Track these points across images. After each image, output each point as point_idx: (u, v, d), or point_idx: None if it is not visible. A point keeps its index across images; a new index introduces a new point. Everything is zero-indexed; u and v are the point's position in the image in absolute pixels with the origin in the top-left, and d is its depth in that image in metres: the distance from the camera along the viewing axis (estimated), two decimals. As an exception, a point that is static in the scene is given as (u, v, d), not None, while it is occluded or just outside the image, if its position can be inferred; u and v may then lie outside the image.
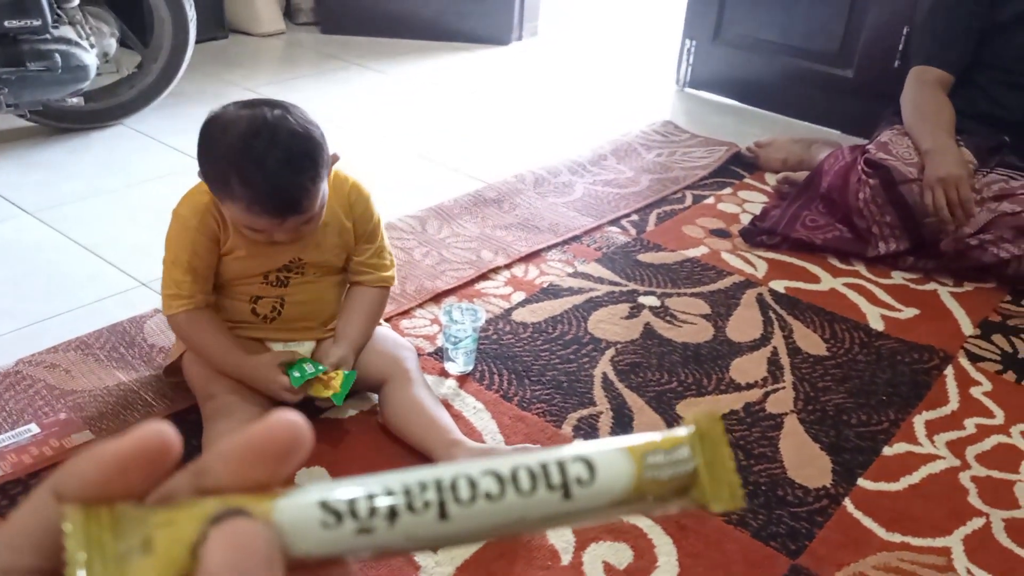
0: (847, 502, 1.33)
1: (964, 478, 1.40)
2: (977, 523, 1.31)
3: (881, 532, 1.28)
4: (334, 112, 2.74)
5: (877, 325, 1.79)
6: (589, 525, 0.32)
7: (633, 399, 1.51)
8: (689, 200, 2.29)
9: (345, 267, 1.43)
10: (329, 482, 0.25)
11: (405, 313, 1.72)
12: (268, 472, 0.24)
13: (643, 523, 1.26)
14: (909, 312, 1.85)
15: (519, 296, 1.80)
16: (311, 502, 0.24)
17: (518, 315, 1.73)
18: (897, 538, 1.27)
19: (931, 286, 1.96)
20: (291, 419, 0.24)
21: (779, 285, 1.91)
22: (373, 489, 0.25)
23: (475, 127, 2.73)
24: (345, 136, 2.57)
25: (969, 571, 1.22)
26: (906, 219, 2.00)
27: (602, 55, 3.65)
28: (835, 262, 2.03)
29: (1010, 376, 1.66)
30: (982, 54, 2.14)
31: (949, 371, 1.66)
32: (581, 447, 0.26)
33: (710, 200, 2.30)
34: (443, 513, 0.24)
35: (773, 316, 1.79)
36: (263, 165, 1.18)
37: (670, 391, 1.54)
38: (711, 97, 3.11)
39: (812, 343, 1.71)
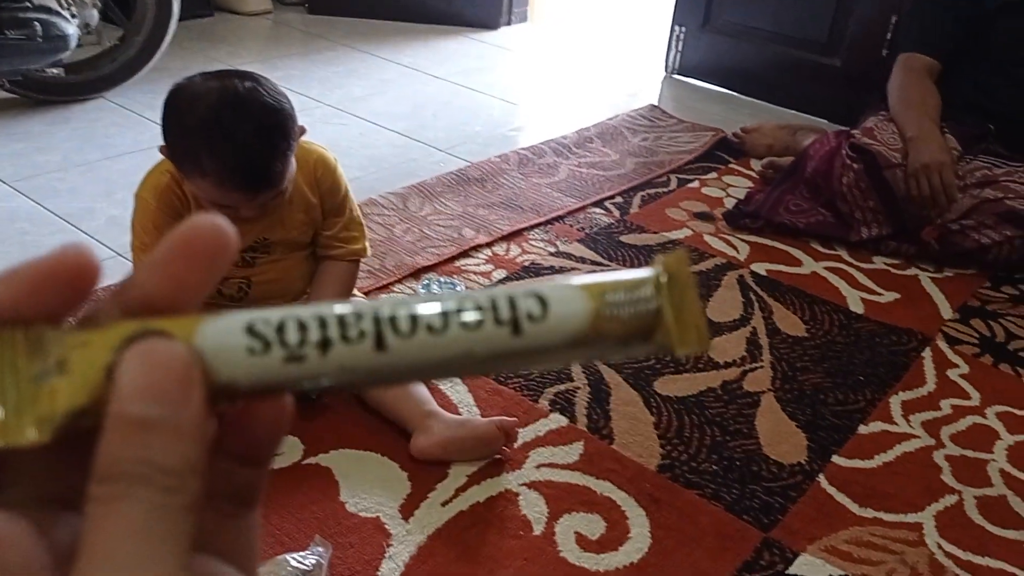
0: (821, 478, 1.33)
1: (938, 456, 1.40)
2: (950, 500, 1.31)
3: (854, 508, 1.28)
4: (321, 92, 2.72)
5: (857, 308, 1.79)
6: (545, 367, 0.29)
7: (611, 375, 1.51)
8: (674, 184, 2.29)
9: (313, 241, 1.40)
10: (259, 309, 0.23)
11: (384, 287, 1.70)
12: (195, 275, 0.23)
13: (617, 495, 1.26)
14: (889, 296, 1.85)
15: (500, 274, 1.79)
16: (237, 326, 0.23)
17: (498, 292, 1.72)
18: (870, 513, 1.27)
19: (912, 271, 1.96)
20: (215, 219, 0.23)
21: (761, 268, 1.90)
22: (305, 317, 0.23)
23: (461, 108, 2.72)
24: (331, 115, 2.56)
25: (940, 546, 1.22)
26: (889, 204, 2.00)
27: (591, 40, 3.64)
28: (817, 246, 2.03)
29: (987, 359, 1.67)
30: (970, 42, 2.14)
31: (927, 353, 1.66)
32: (535, 284, 0.25)
33: (695, 184, 2.30)
34: (380, 344, 0.23)
35: (754, 297, 1.79)
36: (235, 139, 1.14)
37: (648, 368, 1.54)
38: (699, 84, 3.10)
39: (791, 324, 1.71)
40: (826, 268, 1.94)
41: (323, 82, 2.82)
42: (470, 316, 0.23)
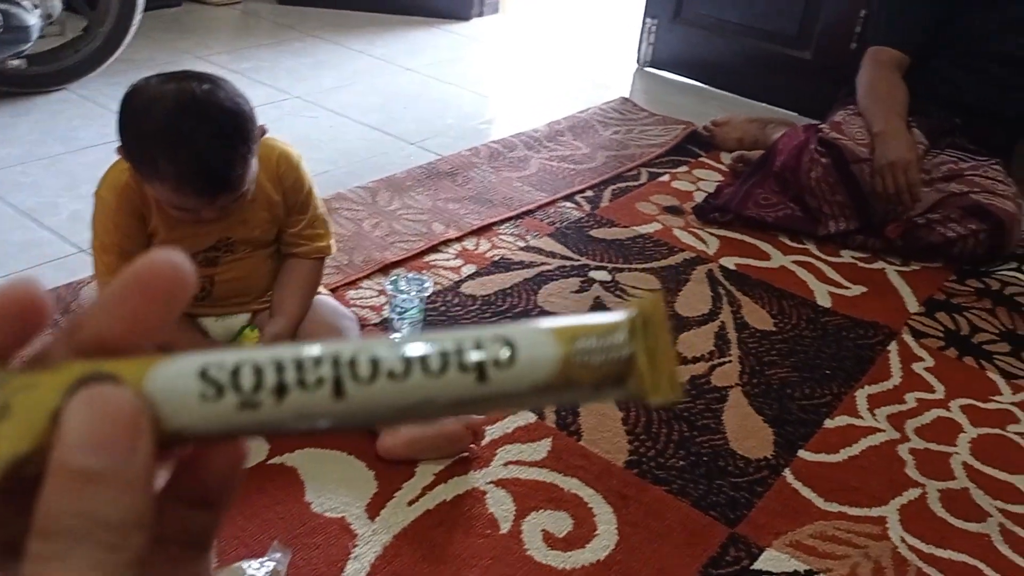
0: (787, 473, 1.33)
1: (903, 450, 1.41)
2: (913, 493, 1.32)
3: (819, 502, 1.29)
4: (289, 83, 2.69)
5: (825, 302, 1.80)
6: (511, 411, 0.30)
7: (579, 371, 1.51)
8: (644, 177, 2.29)
9: (277, 239, 1.38)
10: (213, 351, 0.23)
11: (352, 284, 1.69)
12: (151, 315, 0.22)
13: (584, 492, 1.26)
14: (856, 290, 1.86)
15: (469, 269, 1.78)
16: (189, 371, 0.22)
17: (467, 287, 1.71)
18: (835, 507, 1.28)
19: (879, 265, 1.98)
20: (172, 256, 0.22)
21: (729, 262, 1.91)
22: (261, 361, 0.22)
23: (432, 101, 2.70)
24: (301, 107, 2.53)
25: (903, 539, 1.23)
26: (857, 199, 2.01)
27: (563, 32, 3.63)
28: (786, 240, 2.04)
29: (952, 352, 1.68)
30: (941, 36, 2.14)
31: (893, 347, 1.67)
32: (502, 327, 0.24)
33: (665, 178, 2.30)
34: (339, 390, 0.22)
35: (722, 292, 1.80)
36: (194, 144, 1.12)
37: (616, 363, 1.53)
38: (671, 77, 3.10)
39: (760, 318, 1.72)
40: (794, 262, 1.95)
41: (292, 73, 2.79)
42: (434, 362, 0.23)
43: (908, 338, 1.71)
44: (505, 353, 0.23)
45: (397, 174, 2.15)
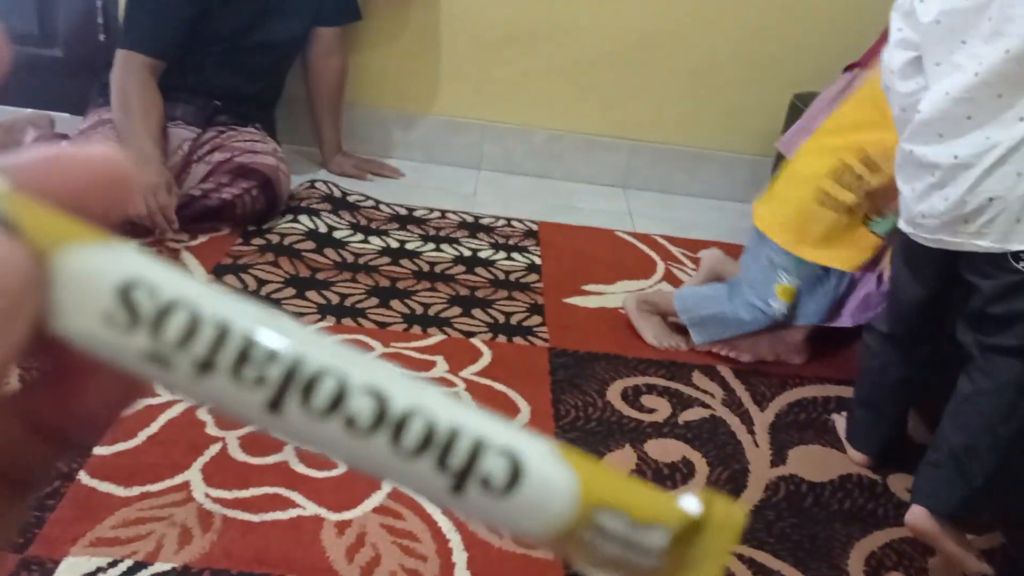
0: (82, 475, 1.27)
1: (201, 413, 1.45)
2: (214, 449, 1.37)
3: (120, 491, 1.25)
4: None
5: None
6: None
7: None
8: None
9: None
10: (164, 264, 0.17)
11: None
12: (106, 196, 0.19)
13: None
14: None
15: None
16: (110, 277, 0.17)
17: None
18: (136, 491, 1.26)
19: (173, 246, 1.98)
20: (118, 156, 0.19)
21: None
22: (206, 314, 0.17)
23: None
24: None
25: (207, 495, 1.27)
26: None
27: None
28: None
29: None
30: (197, 33, 2.17)
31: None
32: (524, 440, 0.18)
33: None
34: (275, 405, 0.17)
35: None
36: None
37: None
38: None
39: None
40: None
41: None
42: (410, 439, 0.18)
43: (199, 307, 1.75)
44: (501, 478, 0.18)
45: None
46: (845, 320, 1.77)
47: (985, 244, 1.25)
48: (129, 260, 0.17)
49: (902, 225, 1.38)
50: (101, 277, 0.17)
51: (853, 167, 1.66)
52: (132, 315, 0.17)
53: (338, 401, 0.17)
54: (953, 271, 1.33)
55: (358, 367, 0.18)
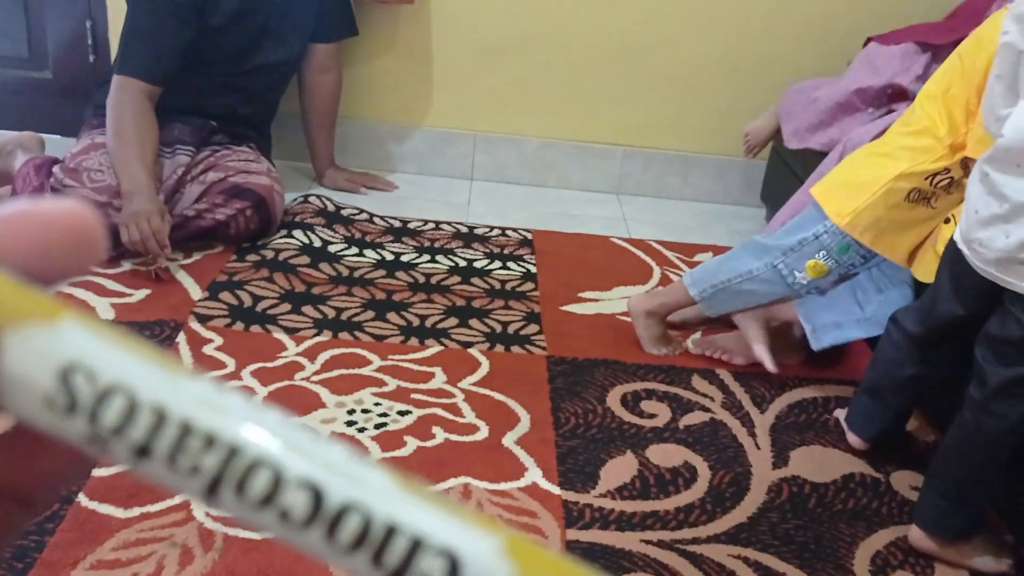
0: (81, 497, 1.26)
1: (200, 431, 1.44)
2: (213, 467, 1.36)
3: (119, 513, 1.24)
4: None
5: (108, 314, 1.75)
6: None
7: None
8: None
9: None
10: (117, 343, 0.18)
11: None
12: (49, 257, 0.19)
13: None
14: (140, 294, 1.85)
15: None
16: (52, 361, 0.17)
17: None
18: (136, 512, 1.25)
19: (162, 264, 1.98)
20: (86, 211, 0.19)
21: None
22: (143, 398, 0.17)
23: None
24: None
25: (208, 514, 1.26)
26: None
27: None
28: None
29: (239, 326, 1.77)
30: (195, 56, 2.16)
31: (181, 338, 1.70)
32: (467, 531, 0.18)
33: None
34: (211, 491, 0.17)
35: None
36: None
37: None
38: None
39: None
40: (72, 285, 1.85)
41: None
42: (345, 533, 0.17)
43: (195, 325, 1.75)
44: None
45: None
46: (853, 332, 1.75)
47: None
48: (73, 340, 0.17)
49: (957, 238, 1.29)
50: (43, 361, 0.17)
51: (950, 170, 1.51)
52: (71, 400, 0.17)
53: (272, 494, 0.17)
54: (996, 296, 1.26)
55: (298, 456, 0.17)
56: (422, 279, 2.04)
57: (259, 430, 0.18)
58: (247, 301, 1.87)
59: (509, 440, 1.51)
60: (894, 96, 2.05)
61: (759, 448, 1.57)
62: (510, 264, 2.17)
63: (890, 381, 1.51)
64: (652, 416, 1.63)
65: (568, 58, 2.59)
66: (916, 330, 1.44)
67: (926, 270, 1.54)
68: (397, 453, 1.45)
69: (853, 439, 1.58)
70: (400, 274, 2.05)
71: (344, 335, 1.78)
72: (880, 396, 1.54)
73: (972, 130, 1.44)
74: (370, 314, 1.87)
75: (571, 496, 1.40)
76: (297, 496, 0.17)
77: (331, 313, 1.85)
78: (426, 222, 2.35)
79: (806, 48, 2.54)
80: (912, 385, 1.50)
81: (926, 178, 1.51)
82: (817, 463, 1.55)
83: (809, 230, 1.65)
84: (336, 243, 2.16)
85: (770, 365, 1.73)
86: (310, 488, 0.17)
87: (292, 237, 2.17)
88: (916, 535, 1.37)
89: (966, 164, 1.47)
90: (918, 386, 1.51)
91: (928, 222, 1.56)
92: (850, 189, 1.60)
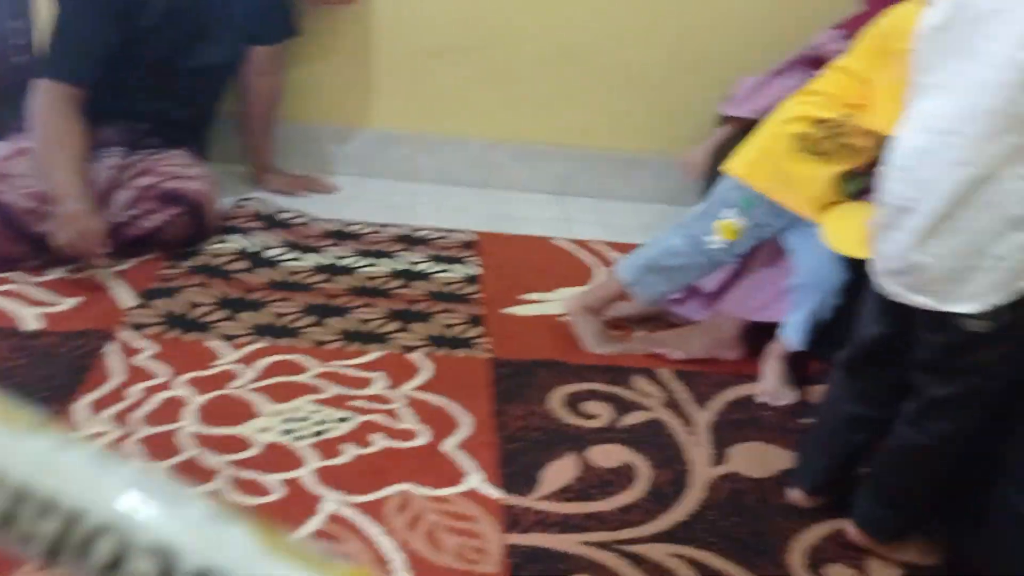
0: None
1: (129, 444, 1.40)
2: (144, 480, 1.33)
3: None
4: None
5: (34, 325, 1.70)
6: None
7: None
8: None
9: None
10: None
11: None
12: None
13: None
14: (70, 303, 1.79)
15: None
16: None
17: None
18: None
19: (91, 271, 1.92)
20: None
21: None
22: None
23: None
24: None
25: (137, 529, 1.23)
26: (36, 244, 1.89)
27: None
28: (-14, 274, 1.86)
29: (175, 334, 1.73)
30: (124, 58, 2.09)
31: (111, 348, 1.65)
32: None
33: None
34: (51, 556, 0.17)
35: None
36: None
37: None
38: None
39: (-41, 365, 1.54)
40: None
41: None
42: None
43: (127, 334, 1.70)
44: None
45: None
46: (773, 313, 1.77)
47: (922, 300, 1.18)
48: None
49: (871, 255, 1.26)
50: None
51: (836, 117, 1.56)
52: None
53: (118, 561, 0.17)
54: (911, 313, 1.22)
55: (149, 518, 0.17)
56: (363, 283, 2.02)
57: (108, 491, 0.17)
58: (182, 308, 1.83)
59: (451, 445, 1.50)
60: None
61: (699, 446, 1.58)
62: (453, 267, 2.15)
63: (827, 422, 1.44)
64: (594, 416, 1.63)
65: (512, 59, 2.58)
66: (846, 358, 1.37)
67: (845, 240, 1.55)
68: (335, 461, 1.43)
69: (794, 494, 1.46)
70: (340, 278, 2.03)
71: (284, 341, 1.75)
72: (817, 440, 1.46)
73: (884, 105, 1.43)
74: (310, 319, 1.84)
75: (512, 500, 1.39)
76: (146, 563, 0.16)
77: (270, 319, 1.82)
78: (367, 225, 2.33)
79: (749, 48, 2.56)
80: (850, 427, 1.38)
81: (814, 123, 1.58)
82: (756, 459, 1.57)
83: (714, 193, 1.73)
84: (275, 247, 2.13)
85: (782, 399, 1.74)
86: (161, 554, 0.16)
87: (229, 242, 2.12)
88: (853, 532, 1.38)
89: (874, 137, 1.48)
90: (858, 429, 1.38)
91: (828, 177, 1.60)
92: (747, 145, 1.69)
